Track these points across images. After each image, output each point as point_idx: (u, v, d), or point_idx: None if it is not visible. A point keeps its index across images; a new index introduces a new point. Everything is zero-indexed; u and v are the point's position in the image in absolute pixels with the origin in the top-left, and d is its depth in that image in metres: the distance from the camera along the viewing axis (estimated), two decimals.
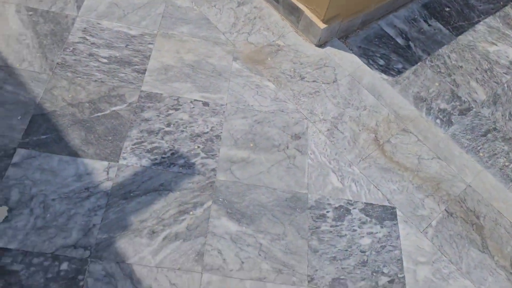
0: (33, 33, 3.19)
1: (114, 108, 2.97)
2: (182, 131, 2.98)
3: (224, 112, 3.14)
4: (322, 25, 3.56)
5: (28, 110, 2.83)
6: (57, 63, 3.09)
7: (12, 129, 2.73)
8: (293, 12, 3.72)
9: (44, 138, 2.74)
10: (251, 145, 3.03)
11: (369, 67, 3.73)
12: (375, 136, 3.29)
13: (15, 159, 2.64)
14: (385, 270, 2.71)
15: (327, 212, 2.86)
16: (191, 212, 2.67)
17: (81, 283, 2.33)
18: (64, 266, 2.36)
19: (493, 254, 2.92)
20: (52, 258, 2.37)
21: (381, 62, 3.83)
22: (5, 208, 2.46)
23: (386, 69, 3.79)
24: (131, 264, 2.43)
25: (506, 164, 3.45)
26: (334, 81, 3.52)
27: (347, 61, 3.69)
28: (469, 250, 2.90)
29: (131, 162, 2.78)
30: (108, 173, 2.70)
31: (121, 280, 2.37)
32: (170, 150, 2.88)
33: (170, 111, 3.05)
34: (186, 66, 3.31)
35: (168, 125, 2.99)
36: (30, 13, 3.29)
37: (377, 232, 2.84)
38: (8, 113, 2.79)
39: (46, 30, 3.23)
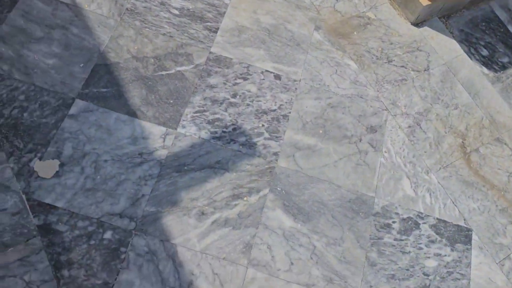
0: None
1: (179, 68, 2.73)
2: (248, 104, 2.71)
3: (296, 89, 2.82)
4: (425, 2, 3.05)
5: (91, 57, 2.65)
6: (126, 9, 2.85)
7: (73, 77, 2.58)
8: None
9: (104, 91, 2.57)
10: (321, 131, 2.72)
11: (469, 57, 3.21)
12: (463, 142, 2.87)
13: (73, 110, 2.50)
14: None
15: (393, 222, 2.56)
16: (245, 198, 2.47)
17: (123, 256, 2.22)
18: (108, 235, 2.25)
19: None
20: (97, 224, 2.26)
21: (484, 52, 3.29)
22: (56, 162, 2.36)
23: (488, 62, 3.26)
24: (176, 245, 2.29)
25: None
26: (425, 69, 3.07)
27: (445, 47, 3.19)
28: None
29: (190, 132, 2.57)
30: (164, 140, 2.52)
31: (163, 260, 2.24)
32: (233, 124, 2.64)
33: (238, 80, 2.77)
34: (262, 29, 2.97)
35: (234, 95, 2.72)
36: None
37: (446, 255, 2.52)
38: (71, 58, 2.62)
39: None
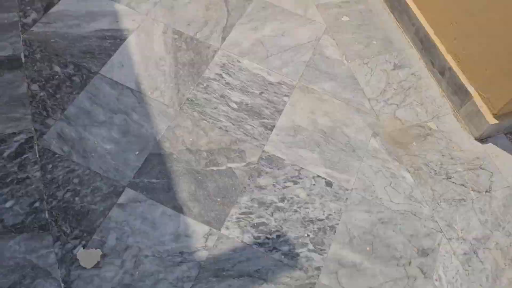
0: (173, 60, 3.05)
1: (231, 165, 2.73)
2: (296, 211, 2.64)
3: (346, 199, 2.73)
4: (492, 120, 2.93)
5: (147, 146, 2.71)
6: (187, 99, 2.92)
7: (127, 165, 2.63)
8: (458, 93, 3.13)
9: (155, 182, 2.60)
10: (368, 249, 2.59)
11: None
12: None
13: (122, 199, 2.53)
14: None
15: None
16: None
17: None
18: None
19: None
20: None
21: None
22: (99, 253, 2.37)
23: None
24: None
25: None
26: (487, 191, 2.90)
27: (511, 167, 3.01)
28: None
29: (233, 235, 2.52)
30: (206, 241, 2.48)
31: None
32: (277, 231, 2.56)
33: (288, 183, 2.73)
34: (318, 131, 2.94)
35: (282, 199, 2.67)
36: (176, 36, 3.16)
37: None
38: (128, 145, 2.69)
39: (186, 59, 3.08)
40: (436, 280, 2.56)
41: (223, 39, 3.22)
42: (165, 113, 2.84)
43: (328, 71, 3.21)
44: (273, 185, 2.71)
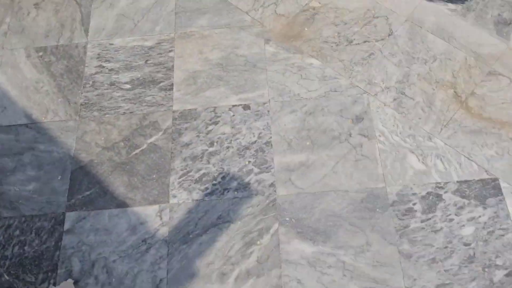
0: (49, 77, 2.95)
1: (150, 140, 2.70)
2: (228, 147, 2.64)
3: (268, 111, 2.73)
4: None
5: (65, 166, 2.66)
6: (81, 104, 2.84)
7: (56, 193, 2.59)
8: None
9: (88, 194, 2.57)
10: (308, 143, 2.62)
11: (429, 2, 3.01)
12: (455, 92, 2.69)
13: (67, 225, 2.50)
14: (499, 262, 2.26)
15: (413, 204, 2.41)
16: (258, 242, 2.39)
17: None
18: None
19: None
20: None
21: None
22: (70, 282, 2.37)
23: None
24: None
25: None
26: (389, 34, 2.90)
27: (401, 2, 3.00)
28: None
29: (182, 198, 2.52)
30: (161, 218, 2.48)
31: None
32: (220, 173, 2.57)
33: (210, 127, 2.71)
34: (214, 66, 2.90)
35: (211, 144, 2.66)
36: (40, 53, 3.04)
37: (480, 216, 2.36)
38: (48, 175, 2.64)
39: (61, 69, 2.97)
40: (379, 136, 2.60)
41: (86, 31, 3.10)
42: (67, 128, 2.77)
43: (197, 7, 3.13)
44: (197, 136, 2.69)
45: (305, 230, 2.40)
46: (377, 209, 2.42)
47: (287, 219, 2.43)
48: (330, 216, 2.42)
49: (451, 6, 3.01)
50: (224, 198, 2.51)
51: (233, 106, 2.76)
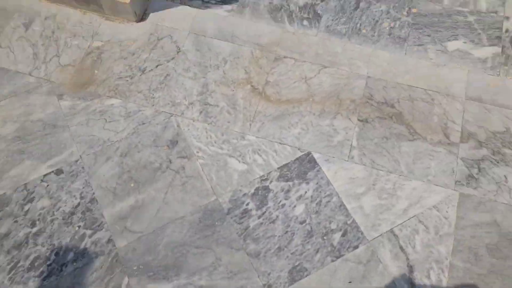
0: None
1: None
2: (52, 220, 2.48)
3: (83, 167, 2.61)
4: (126, 0, 2.88)
5: None
6: None
7: None
8: (89, 0, 2.99)
9: None
10: (132, 185, 2.56)
11: (206, 9, 3.13)
12: (252, 86, 2.83)
13: None
14: (333, 226, 2.45)
15: (247, 204, 2.51)
16: None
17: None
18: None
19: (424, 135, 2.67)
20: None
21: None
22: None
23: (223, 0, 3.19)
24: None
25: (392, 25, 3.08)
26: (178, 52, 2.95)
27: (179, 18, 3.07)
28: (400, 146, 2.64)
29: None
30: None
31: None
32: (52, 251, 2.41)
33: (26, 207, 2.51)
34: (11, 142, 2.68)
35: (33, 224, 2.47)
36: None
37: (306, 192, 2.53)
38: None
39: None
40: (197, 152, 2.65)
41: None
42: None
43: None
44: (15, 221, 2.48)
45: (156, 270, 2.36)
46: (216, 223, 2.47)
47: (134, 268, 2.37)
48: (175, 247, 2.41)
49: (227, 7, 3.15)
50: (64, 274, 2.35)
51: (45, 175, 2.59)
